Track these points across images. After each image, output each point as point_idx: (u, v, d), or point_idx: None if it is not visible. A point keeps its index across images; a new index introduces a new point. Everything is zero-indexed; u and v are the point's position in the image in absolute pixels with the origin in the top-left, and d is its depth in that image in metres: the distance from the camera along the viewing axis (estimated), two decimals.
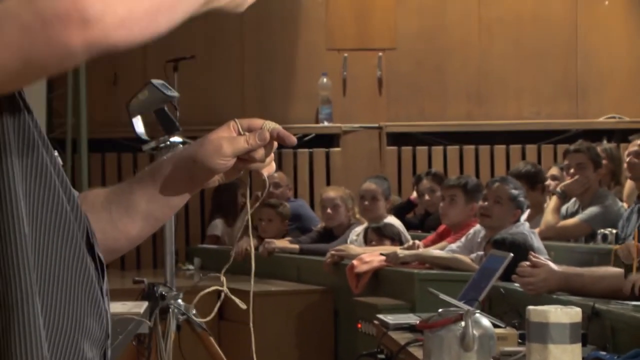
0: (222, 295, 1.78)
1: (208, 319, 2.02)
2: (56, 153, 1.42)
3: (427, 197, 8.22)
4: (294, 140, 1.69)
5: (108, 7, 1.18)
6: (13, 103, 1.33)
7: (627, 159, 6.91)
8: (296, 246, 7.84)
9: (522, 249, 5.39)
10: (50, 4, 1.15)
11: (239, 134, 1.67)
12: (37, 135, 1.36)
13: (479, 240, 6.34)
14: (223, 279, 1.79)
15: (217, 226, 9.25)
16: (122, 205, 1.68)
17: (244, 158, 1.68)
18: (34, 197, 1.35)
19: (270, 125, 1.67)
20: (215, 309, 1.83)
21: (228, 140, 1.67)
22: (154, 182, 1.68)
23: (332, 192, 7.97)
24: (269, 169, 1.74)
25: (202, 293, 1.87)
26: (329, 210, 7.86)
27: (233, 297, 1.77)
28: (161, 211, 1.71)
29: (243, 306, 1.82)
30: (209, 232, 9.35)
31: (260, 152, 1.68)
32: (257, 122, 1.68)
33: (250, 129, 1.68)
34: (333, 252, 7.18)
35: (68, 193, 1.41)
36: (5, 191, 1.30)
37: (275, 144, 1.69)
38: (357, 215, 7.89)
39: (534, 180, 7.41)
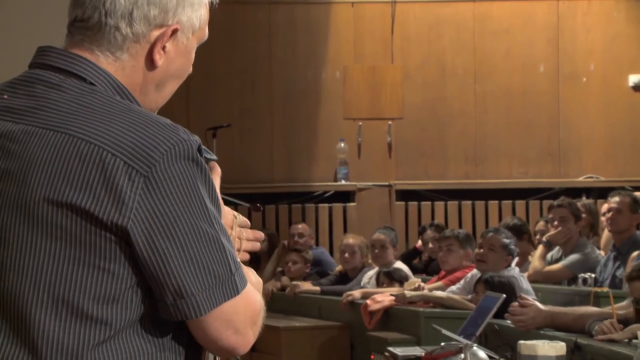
0: None
1: None
2: None
3: (430, 245, 8.19)
4: (249, 224, 1.88)
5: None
6: None
7: (608, 214, 6.88)
8: (317, 288, 7.82)
9: (507, 287, 5.38)
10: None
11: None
12: None
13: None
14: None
15: None
16: None
17: None
18: None
19: (240, 219, 1.84)
20: None
21: None
22: None
23: (351, 240, 7.96)
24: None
25: None
26: (346, 255, 7.84)
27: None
28: None
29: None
30: None
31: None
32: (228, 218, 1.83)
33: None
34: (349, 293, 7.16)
35: None
36: None
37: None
38: (370, 261, 7.87)
39: (520, 232, 7.37)
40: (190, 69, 1.74)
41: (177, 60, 1.69)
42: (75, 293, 1.53)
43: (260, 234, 1.88)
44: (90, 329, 1.54)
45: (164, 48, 1.66)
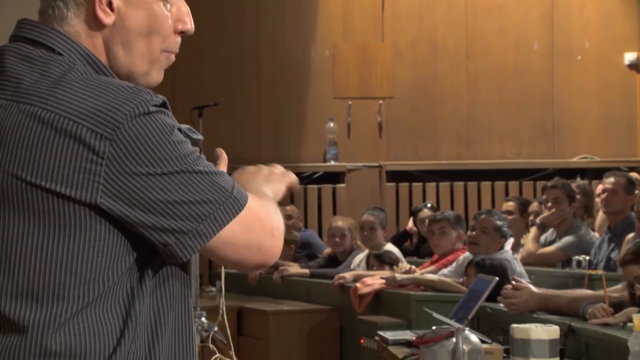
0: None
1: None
2: None
3: (427, 223, 8.17)
4: None
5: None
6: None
7: (602, 195, 6.89)
8: (307, 271, 7.81)
9: (499, 270, 5.40)
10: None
11: None
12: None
13: None
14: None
15: None
16: None
17: None
18: None
19: None
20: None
21: None
22: None
23: (340, 222, 7.95)
24: None
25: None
26: (337, 239, 7.84)
27: None
28: None
29: None
30: None
31: None
32: None
33: None
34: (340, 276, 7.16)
35: None
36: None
37: None
38: (359, 243, 7.87)
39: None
40: (168, 23, 1.73)
41: (134, 15, 1.69)
42: (52, 270, 1.55)
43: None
44: (63, 305, 1.55)
45: (110, 5, 1.67)
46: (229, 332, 1.97)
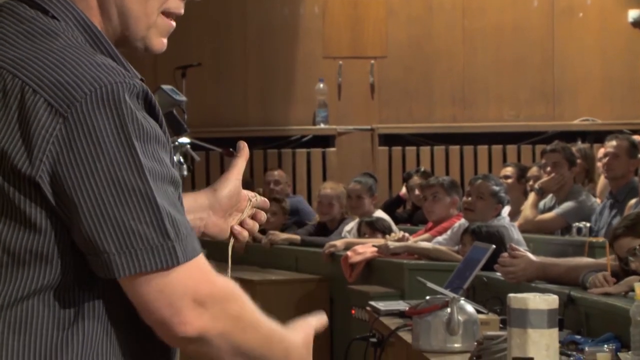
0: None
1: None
2: None
3: (417, 192, 8.20)
4: (268, 204, 1.98)
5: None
6: None
7: (604, 160, 6.91)
8: (298, 237, 7.83)
9: (496, 237, 5.42)
10: None
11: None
12: None
13: None
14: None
15: None
16: None
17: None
18: None
19: (257, 200, 1.94)
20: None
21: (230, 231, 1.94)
22: None
23: (329, 190, 7.96)
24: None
25: None
26: (324, 207, 7.86)
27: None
28: None
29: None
30: None
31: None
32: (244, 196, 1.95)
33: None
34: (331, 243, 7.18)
35: None
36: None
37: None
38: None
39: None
40: None
41: None
42: None
43: (266, 203, 1.96)
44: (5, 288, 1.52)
45: None
46: None
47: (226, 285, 1.55)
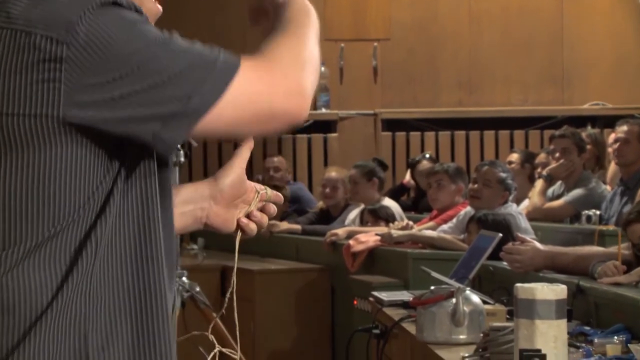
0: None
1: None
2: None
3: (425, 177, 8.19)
4: (281, 199, 1.99)
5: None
6: None
7: (615, 145, 6.90)
8: (298, 226, 7.82)
9: (503, 226, 5.41)
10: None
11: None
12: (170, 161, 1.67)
13: None
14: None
15: None
16: None
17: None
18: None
19: (268, 193, 1.95)
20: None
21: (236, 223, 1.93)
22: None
23: (334, 173, 7.96)
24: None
25: None
26: (327, 190, 7.85)
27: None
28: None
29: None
30: None
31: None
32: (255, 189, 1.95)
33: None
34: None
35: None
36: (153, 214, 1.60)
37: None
38: None
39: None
40: None
41: None
42: (8, 204, 1.52)
43: (279, 197, 1.96)
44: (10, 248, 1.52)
45: None
46: (235, 302, 1.93)
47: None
